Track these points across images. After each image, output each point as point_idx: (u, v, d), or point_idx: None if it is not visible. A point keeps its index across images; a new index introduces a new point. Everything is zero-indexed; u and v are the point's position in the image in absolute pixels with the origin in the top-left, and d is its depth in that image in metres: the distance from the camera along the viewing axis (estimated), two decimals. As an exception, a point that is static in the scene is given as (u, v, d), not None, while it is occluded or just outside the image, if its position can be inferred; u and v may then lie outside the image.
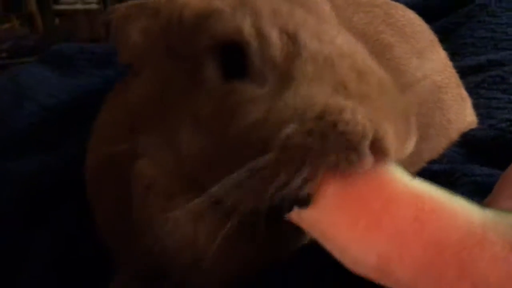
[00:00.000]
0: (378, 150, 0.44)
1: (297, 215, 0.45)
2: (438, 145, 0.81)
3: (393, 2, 0.91)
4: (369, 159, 0.44)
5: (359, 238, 0.43)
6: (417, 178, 0.47)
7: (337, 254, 0.43)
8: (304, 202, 0.45)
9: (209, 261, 0.51)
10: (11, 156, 0.88)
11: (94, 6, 3.88)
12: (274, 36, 0.48)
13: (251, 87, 0.48)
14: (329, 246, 0.43)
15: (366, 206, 0.45)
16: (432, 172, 0.78)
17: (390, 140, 0.44)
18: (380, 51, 0.76)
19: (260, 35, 0.48)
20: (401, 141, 0.46)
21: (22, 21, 3.65)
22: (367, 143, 0.44)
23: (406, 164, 0.78)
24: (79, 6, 3.95)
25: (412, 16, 0.89)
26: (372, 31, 0.78)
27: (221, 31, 0.49)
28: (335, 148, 0.43)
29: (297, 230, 0.44)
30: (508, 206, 0.46)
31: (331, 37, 0.49)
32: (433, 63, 0.83)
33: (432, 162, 0.81)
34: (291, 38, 0.48)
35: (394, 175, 0.47)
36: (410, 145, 0.49)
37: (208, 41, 0.50)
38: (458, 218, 0.43)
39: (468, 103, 0.89)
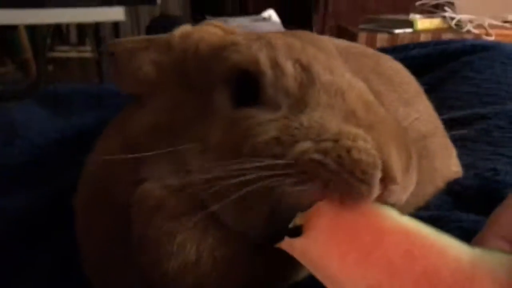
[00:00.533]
0: (387, 178, 0.46)
1: (288, 244, 0.46)
2: (425, 192, 0.82)
3: (382, 54, 0.94)
4: (377, 190, 0.46)
5: (350, 269, 0.44)
6: (406, 216, 0.49)
7: (327, 283, 0.43)
8: (295, 232, 0.46)
9: (211, 284, 0.50)
10: None
11: (88, 55, 3.95)
12: (288, 66, 0.51)
13: (263, 112, 0.50)
14: (319, 275, 0.44)
15: (357, 239, 0.46)
16: (419, 218, 0.78)
17: (398, 168, 0.46)
18: None
19: (275, 65, 0.51)
20: (406, 170, 0.48)
21: (17, 66, 3.69)
22: (378, 174, 0.45)
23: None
24: (73, 54, 4.02)
25: (399, 68, 0.92)
26: (362, 79, 0.80)
27: (237, 61, 0.52)
28: (349, 173, 0.45)
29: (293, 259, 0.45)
30: (497, 245, 0.47)
31: (341, 71, 0.52)
32: (419, 112, 0.85)
33: (418, 209, 0.81)
34: (305, 69, 0.51)
35: (384, 211, 0.48)
36: (414, 177, 0.50)
37: (223, 70, 0.52)
38: (447, 254, 0.44)
39: (453, 153, 0.91)
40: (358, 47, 0.92)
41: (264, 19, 2.32)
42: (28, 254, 0.77)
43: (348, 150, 0.45)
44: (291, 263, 0.51)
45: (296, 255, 0.45)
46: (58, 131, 0.98)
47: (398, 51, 1.32)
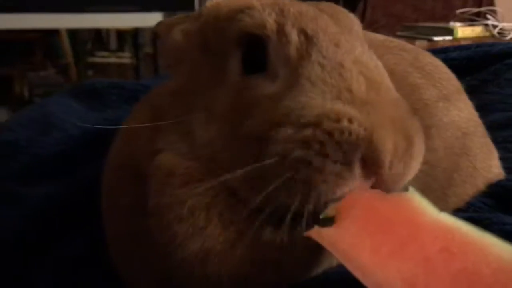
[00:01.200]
0: (373, 161, 0.44)
1: (317, 233, 0.44)
2: (464, 192, 0.79)
3: (421, 49, 0.92)
4: (357, 172, 0.44)
5: (383, 263, 0.42)
6: (442, 212, 0.46)
7: (359, 275, 0.41)
8: (326, 221, 0.44)
9: (217, 253, 0.50)
10: (29, 182, 0.89)
11: (126, 60, 4.02)
12: (293, 34, 0.50)
13: (264, 82, 0.49)
14: (350, 267, 0.42)
15: (391, 231, 0.44)
16: None
17: (387, 151, 0.44)
18: (408, 90, 0.76)
19: (281, 31, 0.50)
20: (399, 157, 0.45)
21: (58, 70, 3.80)
22: (357, 155, 0.43)
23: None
24: (112, 60, 4.11)
25: (439, 64, 0.89)
26: (401, 71, 0.78)
27: (246, 24, 0.51)
28: (333, 162, 0.43)
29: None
30: None
31: (350, 47, 0.50)
32: (460, 110, 0.82)
33: (458, 210, 0.78)
34: (308, 39, 0.49)
35: (422, 205, 0.46)
36: (412, 166, 0.47)
37: (234, 33, 0.52)
38: (488, 253, 0.42)
39: (494, 154, 0.87)
40: (395, 41, 0.90)
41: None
42: (46, 247, 0.78)
43: (329, 134, 0.44)
44: (310, 249, 0.50)
45: (326, 244, 0.44)
46: (92, 123, 0.99)
47: (437, 53, 1.29)
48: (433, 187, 0.74)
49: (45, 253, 0.76)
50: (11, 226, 0.79)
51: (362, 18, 3.47)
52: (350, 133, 0.43)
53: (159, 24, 0.61)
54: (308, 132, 0.44)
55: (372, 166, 0.44)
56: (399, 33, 2.56)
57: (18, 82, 3.61)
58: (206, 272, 0.50)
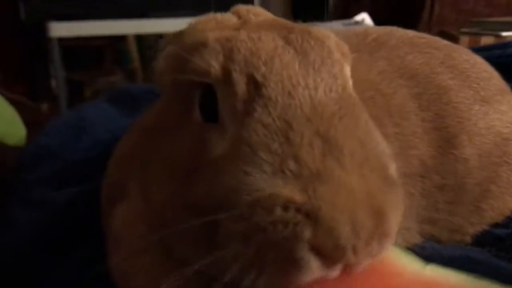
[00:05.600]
0: (327, 249, 0.36)
1: None
2: (503, 205, 0.71)
3: (458, 46, 0.84)
4: (313, 263, 0.37)
5: None
6: (430, 265, 0.43)
7: None
8: None
9: None
10: (58, 187, 0.91)
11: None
12: (241, 82, 0.42)
13: (216, 137, 0.43)
14: None
15: None
16: (494, 236, 0.68)
17: (341, 235, 0.36)
18: (435, 94, 0.69)
19: (227, 79, 0.43)
20: (365, 239, 0.37)
21: (125, 74, 3.95)
22: (304, 247, 0.36)
23: (465, 224, 0.69)
24: (178, 64, 4.22)
25: (478, 61, 0.81)
26: (427, 72, 0.72)
27: (196, 67, 0.45)
28: (271, 261, 0.37)
29: None
30: None
31: (309, 92, 0.41)
32: (501, 113, 0.74)
33: (496, 225, 0.71)
34: (257, 89, 0.41)
35: (401, 262, 0.42)
36: (388, 242, 0.39)
37: (190, 76, 0.45)
38: None
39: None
40: (427, 37, 0.82)
41: (357, 22, 2.23)
42: (66, 251, 0.78)
43: (263, 230, 0.37)
44: None
45: None
46: (123, 129, 1.00)
47: (497, 48, 1.19)
48: (464, 200, 0.67)
49: (64, 256, 0.77)
50: (33, 229, 0.81)
51: (430, 15, 3.30)
52: (286, 224, 0.36)
53: (167, 36, 0.55)
54: (240, 227, 0.38)
55: (330, 256, 0.36)
56: (463, 30, 2.40)
57: (88, 87, 3.78)
58: None
